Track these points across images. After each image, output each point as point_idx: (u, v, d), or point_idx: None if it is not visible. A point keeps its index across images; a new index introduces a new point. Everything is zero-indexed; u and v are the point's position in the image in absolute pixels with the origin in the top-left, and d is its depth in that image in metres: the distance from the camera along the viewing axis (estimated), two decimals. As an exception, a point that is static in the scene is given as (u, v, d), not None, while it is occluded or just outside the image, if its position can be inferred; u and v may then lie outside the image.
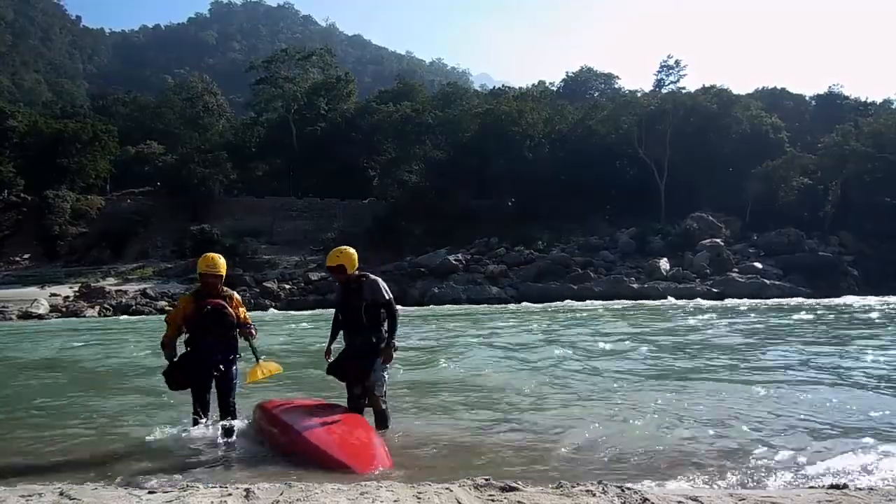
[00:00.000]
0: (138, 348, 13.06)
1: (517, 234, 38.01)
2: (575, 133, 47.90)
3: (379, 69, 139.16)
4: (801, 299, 27.06)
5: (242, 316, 5.40)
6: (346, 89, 60.42)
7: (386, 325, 5.18)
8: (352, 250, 5.29)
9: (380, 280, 5.22)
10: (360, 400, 5.14)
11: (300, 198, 52.53)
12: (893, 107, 50.50)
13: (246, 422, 5.30)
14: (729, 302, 26.21)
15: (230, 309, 5.27)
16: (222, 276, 5.28)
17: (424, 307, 26.96)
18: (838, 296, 28.04)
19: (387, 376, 5.21)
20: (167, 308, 33.51)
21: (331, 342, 5.39)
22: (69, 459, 4.55)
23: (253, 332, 5.43)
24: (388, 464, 4.12)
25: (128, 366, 10.53)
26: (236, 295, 5.51)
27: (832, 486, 2.49)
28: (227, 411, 5.21)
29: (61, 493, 2.16)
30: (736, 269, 32.42)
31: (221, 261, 5.33)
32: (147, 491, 2.21)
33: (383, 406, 5.12)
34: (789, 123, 51.98)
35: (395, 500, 2.14)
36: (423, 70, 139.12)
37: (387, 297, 5.13)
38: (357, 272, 5.21)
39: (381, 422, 5.09)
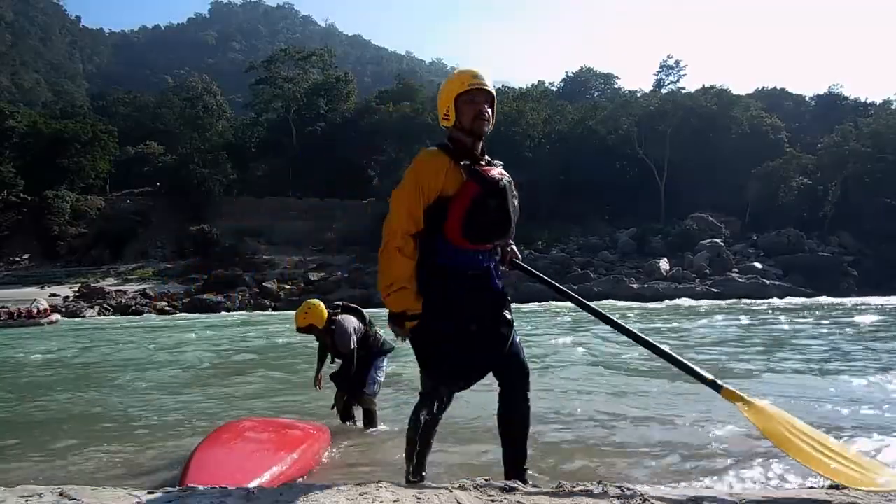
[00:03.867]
0: (140, 347, 13.08)
1: (517, 234, 37.91)
2: (575, 133, 47.95)
3: (379, 69, 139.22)
4: (802, 299, 27.07)
5: None
6: (345, 89, 60.45)
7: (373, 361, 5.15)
8: (317, 304, 5.11)
9: (347, 325, 5.01)
10: (348, 402, 5.25)
11: (300, 198, 52.56)
12: (893, 107, 50.48)
13: None
14: (728, 302, 26.21)
15: None
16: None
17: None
18: (838, 296, 28.06)
19: (381, 378, 5.26)
20: (167, 308, 33.30)
21: (319, 370, 5.35)
22: (69, 460, 4.55)
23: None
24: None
25: (129, 365, 10.53)
26: None
27: (832, 487, 2.48)
28: (524, 402, 2.74)
29: (61, 494, 2.16)
30: (736, 270, 32.44)
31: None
32: (147, 491, 2.21)
33: (372, 406, 5.17)
34: (789, 123, 52.03)
35: (394, 500, 2.14)
36: (423, 70, 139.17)
37: (350, 348, 4.95)
38: (328, 320, 5.05)
39: (370, 421, 5.14)
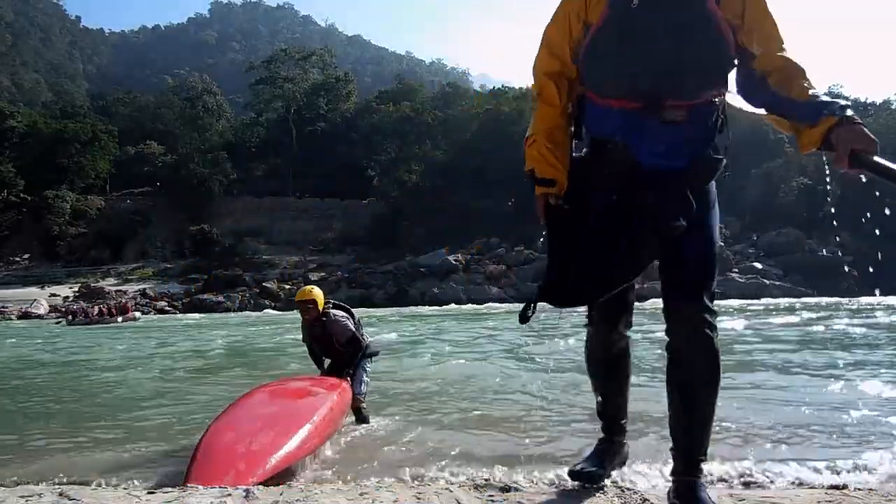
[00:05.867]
0: (141, 347, 13.06)
1: (517, 234, 38.07)
2: (575, 133, 48.05)
3: (379, 69, 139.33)
4: (804, 299, 27.08)
5: None
6: (345, 89, 60.54)
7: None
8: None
9: (340, 317, 5.23)
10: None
11: (300, 198, 52.59)
12: (893, 107, 50.52)
13: None
14: (730, 303, 26.20)
15: None
16: None
17: (423, 307, 26.96)
18: (838, 296, 28.06)
19: (368, 378, 5.39)
20: (167, 308, 33.28)
21: (321, 365, 5.46)
22: (69, 460, 4.55)
23: None
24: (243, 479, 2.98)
25: (128, 363, 10.53)
26: None
27: (832, 487, 2.49)
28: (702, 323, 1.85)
29: (61, 494, 2.16)
30: (736, 270, 32.46)
31: None
32: (147, 491, 2.21)
33: (361, 405, 5.23)
34: (789, 123, 52.05)
35: (394, 500, 2.14)
36: (422, 70, 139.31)
37: (350, 331, 5.17)
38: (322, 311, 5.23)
39: (360, 418, 5.20)
